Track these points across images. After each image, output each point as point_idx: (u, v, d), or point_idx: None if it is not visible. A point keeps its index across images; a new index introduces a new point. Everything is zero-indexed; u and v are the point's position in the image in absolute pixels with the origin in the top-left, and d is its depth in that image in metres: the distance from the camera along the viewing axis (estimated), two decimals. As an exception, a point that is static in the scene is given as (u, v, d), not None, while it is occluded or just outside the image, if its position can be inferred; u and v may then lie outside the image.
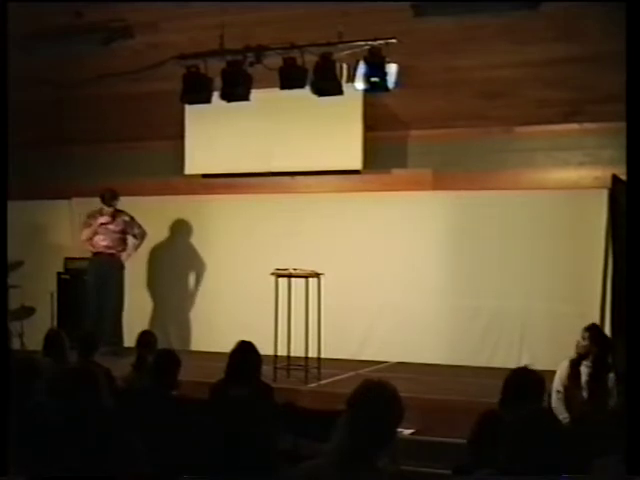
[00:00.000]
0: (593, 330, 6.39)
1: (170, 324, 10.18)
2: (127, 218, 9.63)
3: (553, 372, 6.43)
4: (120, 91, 9.64)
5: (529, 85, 8.63)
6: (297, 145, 9.53)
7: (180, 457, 4.59)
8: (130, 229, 9.64)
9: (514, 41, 8.19)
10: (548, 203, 8.83)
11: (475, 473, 3.28)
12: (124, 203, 9.84)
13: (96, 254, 9.59)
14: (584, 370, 6.24)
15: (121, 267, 9.61)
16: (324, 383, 7.82)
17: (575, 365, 6.27)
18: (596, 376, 6.19)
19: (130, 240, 9.70)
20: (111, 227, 9.53)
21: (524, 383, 4.38)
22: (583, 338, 6.31)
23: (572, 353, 6.37)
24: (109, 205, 9.54)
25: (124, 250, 9.64)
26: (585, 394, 6.18)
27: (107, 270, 9.54)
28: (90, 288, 9.60)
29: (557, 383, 6.26)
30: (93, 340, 6.57)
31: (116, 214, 9.59)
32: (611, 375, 6.19)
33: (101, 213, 9.58)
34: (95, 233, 9.51)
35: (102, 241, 9.52)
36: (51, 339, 6.27)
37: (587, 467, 3.34)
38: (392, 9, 7.80)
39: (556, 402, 6.17)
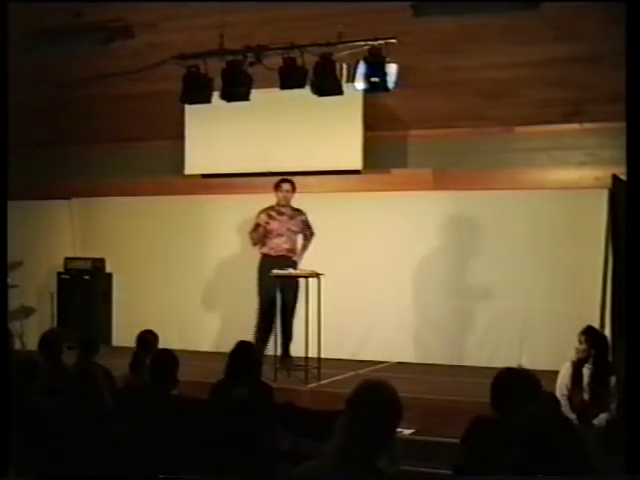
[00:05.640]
0: (589, 333, 6.37)
1: (169, 324, 10.17)
2: (304, 218, 8.74)
3: (553, 372, 6.45)
4: (120, 91, 9.64)
5: (529, 85, 8.63)
6: (297, 145, 9.53)
7: (180, 457, 4.59)
8: (306, 229, 8.75)
9: (514, 41, 8.19)
10: (548, 203, 8.83)
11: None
12: (124, 203, 9.83)
13: (274, 257, 8.55)
14: (586, 372, 6.24)
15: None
16: (324, 383, 7.81)
17: (577, 367, 6.26)
18: (598, 378, 6.19)
19: (299, 240, 8.82)
20: (293, 228, 8.68)
21: (514, 384, 4.21)
22: (580, 342, 6.30)
23: (572, 353, 6.37)
24: (287, 193, 8.60)
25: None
26: (587, 396, 6.17)
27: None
28: (271, 294, 8.44)
29: (561, 386, 6.24)
30: (93, 340, 6.57)
31: (294, 214, 8.73)
32: (613, 376, 6.19)
33: (279, 212, 8.64)
34: (271, 234, 8.62)
35: (284, 244, 8.61)
36: (46, 340, 6.25)
37: (587, 467, 3.34)
38: (392, 9, 7.79)
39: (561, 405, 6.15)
